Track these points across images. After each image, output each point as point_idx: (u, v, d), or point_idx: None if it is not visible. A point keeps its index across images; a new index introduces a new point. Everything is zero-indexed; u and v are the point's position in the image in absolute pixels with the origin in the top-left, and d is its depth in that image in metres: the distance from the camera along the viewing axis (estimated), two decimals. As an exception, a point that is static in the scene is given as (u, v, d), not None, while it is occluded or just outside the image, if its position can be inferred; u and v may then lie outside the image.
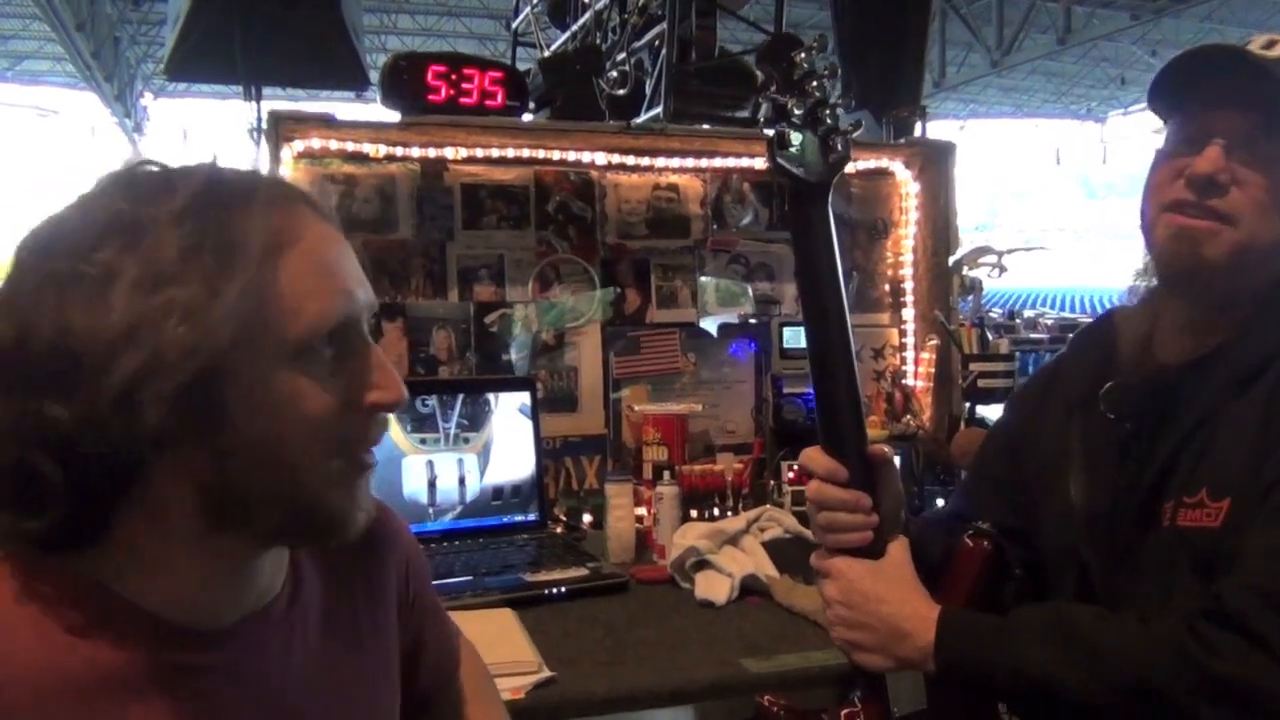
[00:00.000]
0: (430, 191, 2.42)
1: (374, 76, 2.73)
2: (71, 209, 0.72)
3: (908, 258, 2.80)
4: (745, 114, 3.06)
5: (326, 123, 2.32)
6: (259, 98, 2.96)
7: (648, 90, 3.21)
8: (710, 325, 2.62)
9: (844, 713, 1.12)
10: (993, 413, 2.55)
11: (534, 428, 2.25)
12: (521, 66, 3.75)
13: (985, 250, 2.73)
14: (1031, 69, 17.40)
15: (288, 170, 2.28)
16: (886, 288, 2.81)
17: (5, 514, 0.70)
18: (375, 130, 2.38)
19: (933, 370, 2.72)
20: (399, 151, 2.38)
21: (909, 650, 1.09)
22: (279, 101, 3.12)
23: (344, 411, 0.75)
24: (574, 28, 4.09)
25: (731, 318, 2.64)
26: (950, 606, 1.12)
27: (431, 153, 2.41)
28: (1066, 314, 17.09)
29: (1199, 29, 14.25)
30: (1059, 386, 1.29)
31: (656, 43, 3.24)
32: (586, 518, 2.37)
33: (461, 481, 2.16)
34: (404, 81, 2.48)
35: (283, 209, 0.74)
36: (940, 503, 2.32)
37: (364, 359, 0.77)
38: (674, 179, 2.62)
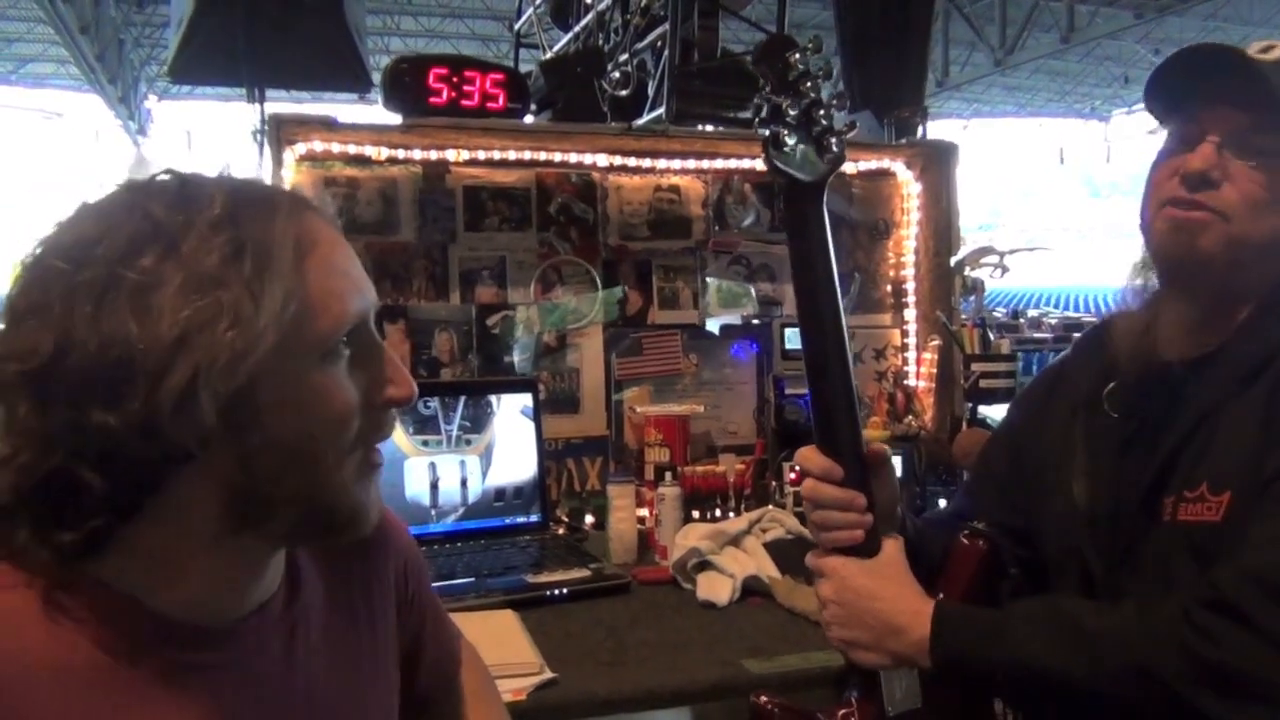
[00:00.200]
0: (432, 194, 2.43)
1: (377, 78, 2.73)
2: (90, 218, 0.72)
3: (909, 258, 2.79)
4: (748, 114, 3.06)
5: (328, 126, 2.33)
6: (262, 100, 2.96)
7: (650, 91, 3.22)
8: (714, 326, 2.62)
9: (840, 713, 1.12)
10: (995, 413, 2.55)
11: (536, 429, 2.25)
12: (525, 68, 3.76)
13: (987, 251, 2.73)
14: (1035, 68, 17.40)
15: (290, 173, 2.28)
16: (888, 288, 2.81)
17: (38, 529, 0.70)
18: (377, 133, 2.38)
19: (934, 371, 2.72)
20: (401, 154, 2.39)
21: (904, 645, 1.09)
22: (282, 104, 3.13)
23: (363, 408, 0.77)
24: (576, 29, 4.10)
25: (735, 318, 2.64)
26: (945, 601, 1.12)
27: (433, 155, 2.41)
28: (1070, 313, 17.06)
29: (1202, 27, 14.24)
30: (1063, 387, 1.30)
31: (659, 43, 3.24)
32: (588, 519, 2.37)
33: (464, 483, 2.16)
34: (405, 84, 2.48)
35: (300, 215, 0.76)
36: (942, 503, 2.31)
37: (377, 356, 0.79)
38: (675, 180, 2.62)
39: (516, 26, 5.27)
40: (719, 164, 2.64)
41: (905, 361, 2.80)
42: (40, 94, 18.57)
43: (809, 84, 1.05)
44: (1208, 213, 1.07)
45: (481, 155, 2.45)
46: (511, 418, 2.23)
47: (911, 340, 2.80)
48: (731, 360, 2.61)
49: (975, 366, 2.58)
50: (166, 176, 0.75)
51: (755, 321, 2.63)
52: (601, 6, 3.77)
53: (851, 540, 1.12)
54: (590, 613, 1.76)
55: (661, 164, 2.60)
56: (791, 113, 1.05)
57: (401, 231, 2.41)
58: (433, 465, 2.14)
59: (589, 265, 2.55)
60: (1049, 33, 13.56)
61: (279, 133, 2.28)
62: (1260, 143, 1.06)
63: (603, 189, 2.57)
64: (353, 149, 2.35)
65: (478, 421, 2.20)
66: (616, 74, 3.21)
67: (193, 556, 0.75)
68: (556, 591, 1.82)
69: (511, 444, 2.21)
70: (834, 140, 1.06)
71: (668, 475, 2.17)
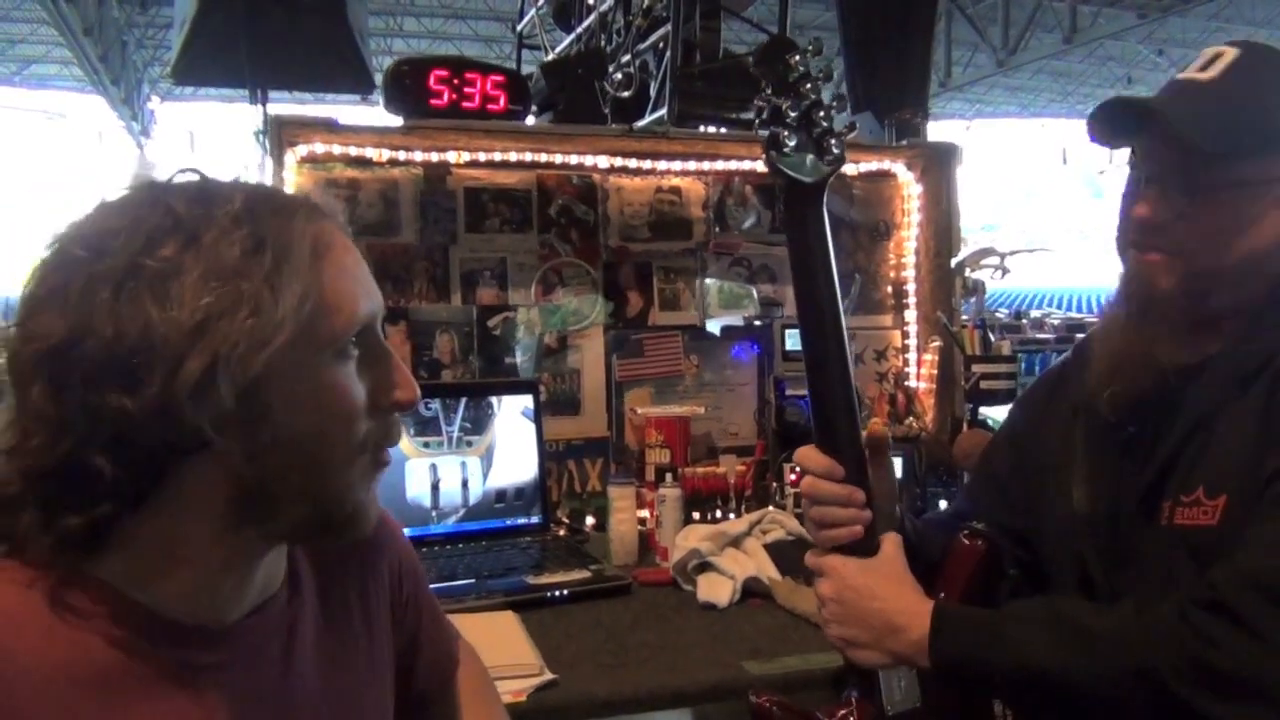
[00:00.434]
0: (433, 195, 2.43)
1: (379, 79, 2.73)
2: (111, 212, 0.73)
3: (910, 259, 2.80)
4: (750, 115, 3.06)
5: (329, 127, 2.33)
6: (265, 101, 2.97)
7: (652, 92, 3.22)
8: (714, 327, 2.62)
9: (839, 712, 1.12)
10: (995, 414, 2.54)
11: (537, 430, 2.25)
12: (528, 69, 3.76)
13: (988, 252, 2.73)
14: (1037, 69, 17.37)
15: (291, 175, 2.29)
16: (889, 289, 2.81)
17: (43, 513, 0.70)
18: (378, 135, 2.38)
19: (935, 372, 2.72)
20: (402, 156, 2.39)
21: (903, 645, 1.09)
22: (284, 105, 3.13)
23: (369, 410, 0.78)
24: (578, 30, 4.10)
25: (737, 320, 2.64)
26: (944, 601, 1.12)
27: (434, 157, 2.42)
28: (1073, 314, 17.05)
29: (1205, 28, 14.21)
30: (1064, 390, 1.29)
31: (661, 44, 3.25)
32: (589, 520, 2.37)
33: (465, 484, 2.16)
34: (406, 86, 2.48)
35: (316, 219, 0.78)
36: (943, 504, 2.31)
37: (384, 360, 0.81)
38: (676, 182, 2.62)
39: (519, 28, 5.27)
40: (720, 165, 2.64)
41: (906, 363, 2.80)
42: (44, 95, 18.61)
43: (809, 86, 1.05)
44: (1161, 254, 1.09)
45: (482, 157, 2.45)
46: (512, 419, 2.23)
47: (912, 341, 2.80)
48: (732, 361, 2.62)
49: (976, 368, 2.58)
50: (187, 175, 0.77)
51: (756, 323, 2.63)
52: (604, 8, 3.77)
53: (851, 537, 1.12)
54: (590, 614, 1.76)
55: (662, 165, 2.60)
56: (791, 114, 1.05)
57: (403, 233, 2.41)
58: (434, 466, 2.14)
59: (590, 267, 2.55)
60: (1052, 33, 13.55)
61: (280, 134, 2.28)
62: (1204, 178, 1.05)
63: (603, 190, 2.57)
64: (354, 150, 2.35)
65: (479, 423, 2.20)
66: (618, 75, 3.21)
67: (191, 551, 0.75)
68: (557, 593, 1.82)
69: (512, 445, 2.22)
70: (834, 142, 1.06)
71: (668, 476, 2.17)
